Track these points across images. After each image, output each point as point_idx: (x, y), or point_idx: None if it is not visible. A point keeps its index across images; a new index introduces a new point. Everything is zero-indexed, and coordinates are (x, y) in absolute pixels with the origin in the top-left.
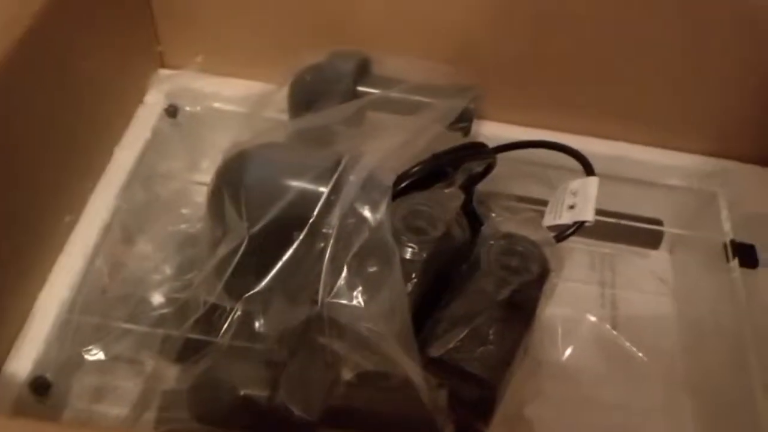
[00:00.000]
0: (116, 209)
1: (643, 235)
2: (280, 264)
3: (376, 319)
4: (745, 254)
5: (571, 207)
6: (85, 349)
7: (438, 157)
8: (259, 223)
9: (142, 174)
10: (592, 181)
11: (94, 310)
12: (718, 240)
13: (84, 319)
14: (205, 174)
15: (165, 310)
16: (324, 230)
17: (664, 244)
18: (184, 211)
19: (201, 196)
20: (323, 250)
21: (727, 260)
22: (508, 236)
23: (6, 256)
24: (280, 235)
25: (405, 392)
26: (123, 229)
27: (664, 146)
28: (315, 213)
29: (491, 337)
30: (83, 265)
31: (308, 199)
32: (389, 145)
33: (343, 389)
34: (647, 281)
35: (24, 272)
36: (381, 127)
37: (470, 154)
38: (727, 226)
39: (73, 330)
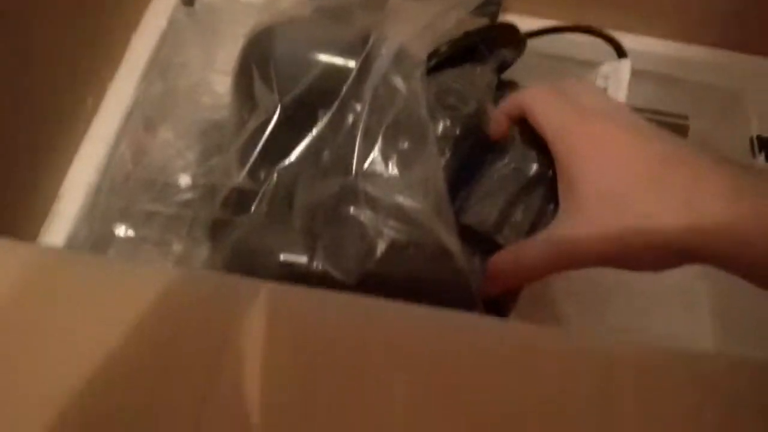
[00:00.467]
0: (137, 97)
1: (668, 129)
2: (314, 133)
3: (412, 188)
4: None
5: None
6: (114, 226)
7: (470, 35)
8: (290, 94)
9: (160, 63)
10: (625, 65)
11: (120, 195)
12: (744, 135)
13: (111, 202)
14: (224, 65)
15: (190, 195)
16: (356, 103)
17: (689, 141)
18: (205, 99)
19: (221, 85)
20: (356, 123)
21: (753, 155)
22: None
23: (32, 137)
24: (312, 109)
25: (440, 260)
26: (145, 118)
27: (690, 41)
28: (347, 84)
29: (521, 210)
30: (107, 150)
31: (340, 71)
32: (413, 26)
33: (379, 256)
34: None
35: (51, 153)
36: (402, 10)
37: (502, 35)
38: (754, 121)
39: (101, 212)
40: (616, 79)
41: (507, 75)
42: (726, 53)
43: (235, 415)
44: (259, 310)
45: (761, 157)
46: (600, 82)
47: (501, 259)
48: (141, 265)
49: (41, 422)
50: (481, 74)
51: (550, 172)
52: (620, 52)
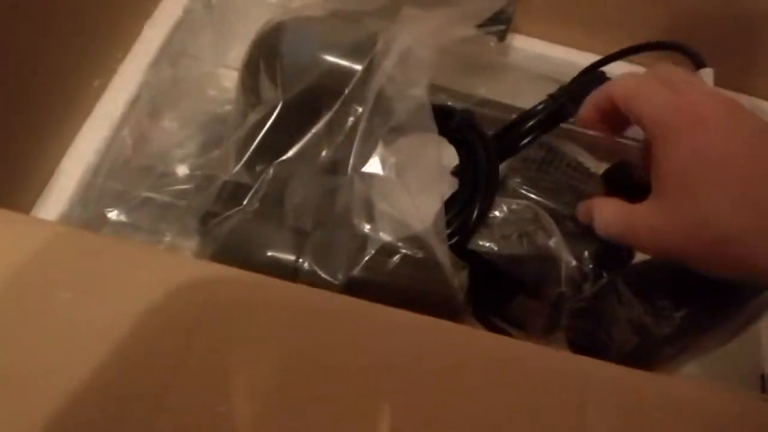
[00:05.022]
0: (144, 83)
1: None
2: (313, 131)
3: (407, 196)
4: None
5: None
6: (107, 209)
7: (559, 97)
8: (294, 90)
9: (170, 52)
10: (707, 73)
11: (118, 178)
12: None
13: (107, 184)
14: (235, 61)
15: (187, 186)
16: (359, 105)
17: None
18: (211, 92)
19: (229, 80)
20: (356, 125)
21: None
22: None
23: (36, 112)
24: (314, 107)
25: (429, 270)
26: (150, 104)
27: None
28: (351, 86)
29: (527, 242)
30: (109, 133)
31: (345, 72)
32: (421, 33)
33: (368, 260)
34: None
35: (53, 130)
36: (413, 18)
37: (588, 85)
38: None
39: (97, 193)
40: None
41: None
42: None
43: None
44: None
45: None
46: None
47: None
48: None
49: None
50: None
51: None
52: (698, 63)
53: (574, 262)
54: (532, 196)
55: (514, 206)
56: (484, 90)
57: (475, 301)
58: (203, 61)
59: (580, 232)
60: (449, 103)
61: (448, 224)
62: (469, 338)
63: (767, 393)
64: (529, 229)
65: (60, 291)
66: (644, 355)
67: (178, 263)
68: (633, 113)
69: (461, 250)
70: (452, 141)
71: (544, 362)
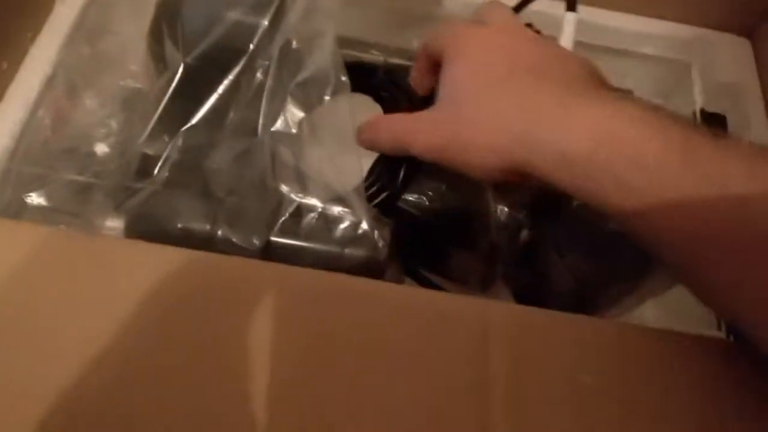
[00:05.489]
0: (59, 62)
1: None
2: (218, 92)
3: (320, 151)
4: (717, 124)
5: None
6: (26, 194)
7: None
8: (195, 51)
9: (87, 28)
10: (570, 18)
11: (36, 161)
12: (689, 110)
13: (26, 168)
14: None
15: (107, 164)
16: (264, 62)
17: None
18: (133, 67)
19: None
20: (263, 83)
21: None
22: None
23: None
24: (219, 69)
25: (347, 228)
26: (67, 84)
27: (640, 13)
28: (254, 42)
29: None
30: (24, 116)
31: (248, 28)
32: None
33: (283, 222)
34: None
35: None
36: None
37: None
38: (698, 96)
39: (14, 178)
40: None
41: None
42: (674, 25)
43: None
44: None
45: None
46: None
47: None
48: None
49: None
50: None
51: None
52: (570, 5)
53: (506, 210)
54: None
55: None
56: (416, 43)
57: (405, 258)
58: (121, 35)
59: None
60: (373, 60)
61: (374, 183)
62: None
63: (724, 332)
64: (457, 181)
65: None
66: (584, 301)
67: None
68: (431, 52)
69: (389, 208)
70: (377, 99)
71: (443, 307)
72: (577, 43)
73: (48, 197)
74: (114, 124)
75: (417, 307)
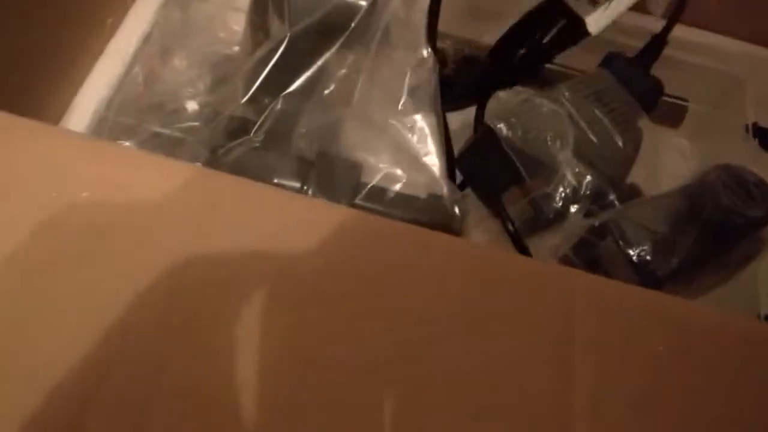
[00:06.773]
0: (155, 23)
1: (665, 110)
2: (319, 62)
3: (410, 127)
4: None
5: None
6: (119, 142)
7: None
8: (300, 25)
9: None
10: None
11: (129, 113)
12: (741, 123)
13: (119, 119)
14: (243, 4)
15: (196, 123)
16: (365, 39)
17: (686, 124)
18: (220, 34)
19: (237, 23)
20: (362, 59)
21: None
22: None
23: (52, 49)
24: (321, 42)
25: (428, 200)
26: (160, 44)
27: (697, 25)
28: (356, 20)
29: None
30: (122, 69)
31: (349, 8)
32: None
33: (370, 189)
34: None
35: (67, 65)
36: None
37: None
38: (751, 110)
39: (109, 126)
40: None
41: None
42: (730, 40)
43: None
44: None
45: (755, 143)
46: None
47: None
48: None
49: None
50: None
51: None
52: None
53: (573, 182)
54: (572, 110)
55: (545, 108)
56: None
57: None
58: (210, 3)
59: (592, 164)
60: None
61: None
62: (457, 248)
63: None
64: (549, 134)
65: None
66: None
67: None
68: None
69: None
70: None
71: (529, 270)
72: (631, 50)
73: (138, 147)
74: (201, 84)
75: (501, 270)
